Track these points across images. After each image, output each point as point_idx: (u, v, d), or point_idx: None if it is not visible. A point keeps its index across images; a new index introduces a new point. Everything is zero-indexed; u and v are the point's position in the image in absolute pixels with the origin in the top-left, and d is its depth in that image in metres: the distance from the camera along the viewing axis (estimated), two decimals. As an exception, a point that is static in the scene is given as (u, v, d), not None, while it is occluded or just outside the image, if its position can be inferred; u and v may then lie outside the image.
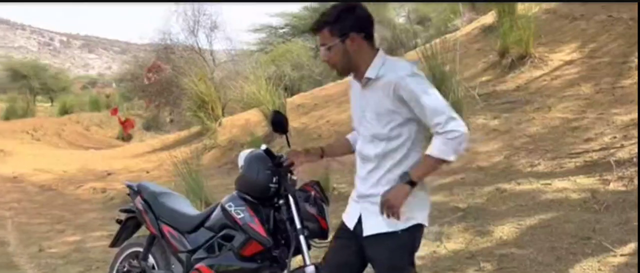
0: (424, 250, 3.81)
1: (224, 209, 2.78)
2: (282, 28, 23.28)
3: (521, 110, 6.05)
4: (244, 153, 2.87)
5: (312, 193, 2.70)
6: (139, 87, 16.87)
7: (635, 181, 3.90)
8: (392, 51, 15.02)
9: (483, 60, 8.03)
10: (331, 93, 11.34)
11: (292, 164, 2.69)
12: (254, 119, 10.61)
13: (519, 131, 5.60)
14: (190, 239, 2.96)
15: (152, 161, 9.59)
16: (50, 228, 5.94)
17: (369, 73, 2.12)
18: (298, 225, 2.56)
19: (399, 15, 19.96)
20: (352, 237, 2.25)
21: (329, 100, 10.68)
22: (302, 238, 2.55)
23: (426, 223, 2.20)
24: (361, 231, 2.18)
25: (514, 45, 7.21)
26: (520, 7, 7.76)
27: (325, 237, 2.68)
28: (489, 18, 9.47)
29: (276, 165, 2.66)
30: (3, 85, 50.18)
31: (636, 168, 4.03)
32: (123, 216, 3.45)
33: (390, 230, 2.10)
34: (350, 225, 2.26)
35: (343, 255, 2.29)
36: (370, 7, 2.69)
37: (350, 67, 2.18)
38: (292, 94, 14.57)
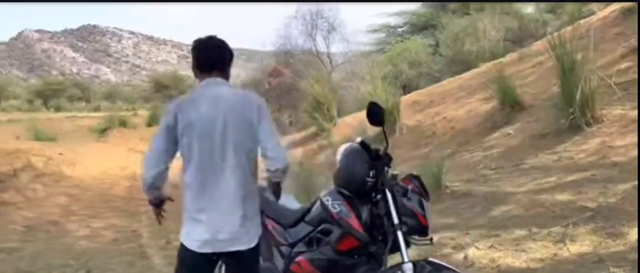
0: (543, 252, 3.47)
1: (322, 203, 2.75)
2: (401, 27, 23.10)
3: (667, 98, 5.30)
4: (342, 147, 2.82)
5: (411, 187, 2.56)
6: (261, 92, 17.75)
7: None
8: (519, 42, 14.07)
9: (622, 46, 7.19)
10: (448, 89, 10.93)
11: (389, 157, 2.60)
12: (369, 118, 10.57)
13: (663, 122, 4.90)
14: (291, 233, 2.98)
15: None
16: (178, 223, 6.40)
17: None
18: (395, 221, 2.45)
19: (527, 4, 18.77)
20: None
21: (445, 97, 10.30)
22: (399, 234, 2.44)
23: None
24: None
25: (659, 25, 6.34)
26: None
27: (425, 234, 2.54)
28: (629, -2, 8.47)
29: (373, 158, 2.57)
30: (148, 95, 56.06)
31: None
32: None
33: None
34: None
35: None
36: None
37: None
38: (410, 92, 14.29)
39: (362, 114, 10.73)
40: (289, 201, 3.28)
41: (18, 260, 5.18)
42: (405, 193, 2.54)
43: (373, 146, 2.65)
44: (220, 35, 2.54)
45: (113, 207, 7.53)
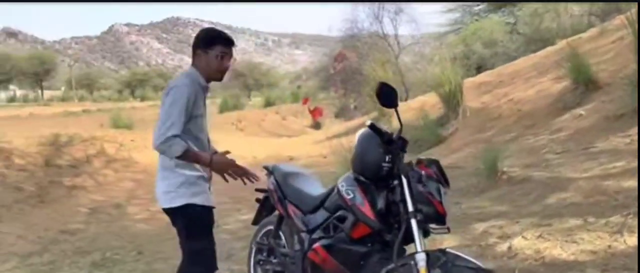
0: (596, 243, 3.14)
1: (338, 190, 2.63)
2: (478, 5, 22.17)
3: None
4: (359, 132, 2.67)
5: (429, 173, 2.37)
6: (327, 77, 17.69)
7: None
8: (603, 16, 12.97)
9: None
10: (519, 68, 10.30)
11: (404, 141, 2.43)
12: (431, 101, 10.21)
13: None
14: (311, 219, 2.88)
15: (331, 146, 9.88)
16: (231, 207, 6.50)
17: None
18: (410, 208, 2.28)
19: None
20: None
21: (515, 77, 9.70)
22: (413, 222, 2.26)
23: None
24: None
25: None
26: None
27: (443, 223, 2.33)
28: None
29: (386, 142, 2.41)
30: (224, 83, 58.12)
31: None
32: (261, 196, 3.53)
33: None
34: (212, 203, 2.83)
35: None
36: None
37: None
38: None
39: (426, 97, 10.42)
40: (315, 186, 3.18)
41: (79, 241, 5.48)
42: (422, 179, 2.35)
43: (369, 121, 2.47)
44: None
45: (174, 191, 7.80)
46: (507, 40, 17.76)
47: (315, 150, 10.24)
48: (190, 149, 2.61)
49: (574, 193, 4.13)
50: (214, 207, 2.86)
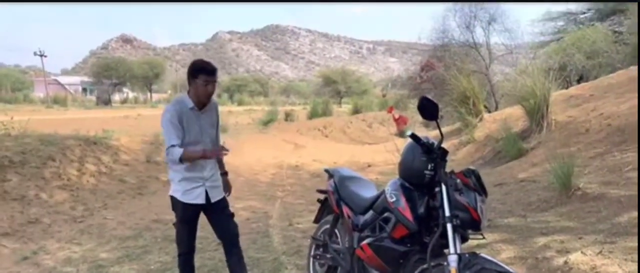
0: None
1: (384, 193, 2.85)
2: (583, 13, 21.01)
3: None
4: (407, 141, 2.87)
5: (467, 182, 2.52)
6: (414, 86, 17.62)
7: None
8: None
9: None
10: (614, 82, 9.74)
11: (444, 151, 2.61)
12: (516, 114, 9.94)
13: None
14: (361, 219, 3.11)
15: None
16: (305, 208, 6.86)
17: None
18: (447, 213, 2.45)
19: None
20: (199, 208, 3.56)
21: (608, 91, 9.19)
22: (449, 226, 2.43)
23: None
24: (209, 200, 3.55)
25: None
26: None
27: (477, 228, 2.47)
28: None
29: (425, 151, 2.60)
30: (318, 90, 59.28)
31: None
32: (322, 196, 3.82)
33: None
34: (201, 201, 3.51)
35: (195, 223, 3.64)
36: None
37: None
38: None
39: (512, 109, 10.26)
40: (369, 190, 3.40)
41: (168, 230, 6.05)
42: (460, 187, 2.51)
43: (410, 131, 2.67)
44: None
45: (257, 191, 8.31)
46: (612, 50, 16.65)
47: (394, 157, 10.34)
48: (186, 152, 3.30)
49: (647, 213, 3.98)
50: (196, 204, 3.51)
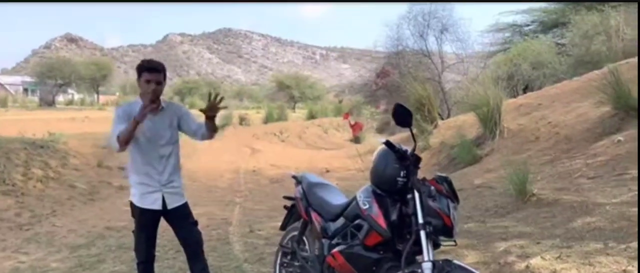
0: (612, 267, 3.20)
1: (356, 200, 2.84)
2: (528, 25, 21.93)
3: None
4: (379, 148, 2.88)
5: (439, 189, 2.55)
6: (369, 92, 17.85)
7: None
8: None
9: None
10: (561, 91, 10.19)
11: (417, 158, 2.62)
12: (470, 121, 10.23)
13: None
14: (331, 226, 3.09)
15: (367, 161, 10.08)
16: (265, 214, 6.79)
17: (163, 104, 3.43)
18: (420, 220, 2.46)
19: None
20: (157, 214, 3.43)
21: (555, 100, 9.61)
22: (422, 233, 2.44)
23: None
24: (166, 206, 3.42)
25: None
26: None
27: (450, 235, 2.50)
28: None
29: (399, 158, 2.61)
30: (272, 94, 59.05)
31: None
32: (289, 203, 3.78)
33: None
34: (157, 206, 3.40)
35: (153, 230, 3.51)
36: None
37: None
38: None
39: (466, 116, 10.51)
40: (338, 196, 3.39)
41: (123, 237, 5.88)
42: (433, 194, 2.53)
43: (383, 139, 2.68)
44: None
45: (214, 197, 8.16)
46: (556, 61, 17.43)
47: (351, 163, 10.43)
48: (122, 132, 3.20)
49: (599, 218, 4.16)
50: (152, 210, 3.41)
